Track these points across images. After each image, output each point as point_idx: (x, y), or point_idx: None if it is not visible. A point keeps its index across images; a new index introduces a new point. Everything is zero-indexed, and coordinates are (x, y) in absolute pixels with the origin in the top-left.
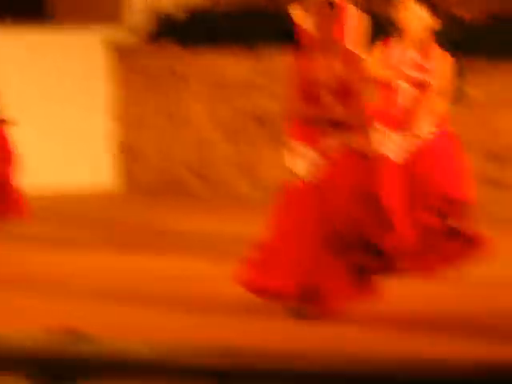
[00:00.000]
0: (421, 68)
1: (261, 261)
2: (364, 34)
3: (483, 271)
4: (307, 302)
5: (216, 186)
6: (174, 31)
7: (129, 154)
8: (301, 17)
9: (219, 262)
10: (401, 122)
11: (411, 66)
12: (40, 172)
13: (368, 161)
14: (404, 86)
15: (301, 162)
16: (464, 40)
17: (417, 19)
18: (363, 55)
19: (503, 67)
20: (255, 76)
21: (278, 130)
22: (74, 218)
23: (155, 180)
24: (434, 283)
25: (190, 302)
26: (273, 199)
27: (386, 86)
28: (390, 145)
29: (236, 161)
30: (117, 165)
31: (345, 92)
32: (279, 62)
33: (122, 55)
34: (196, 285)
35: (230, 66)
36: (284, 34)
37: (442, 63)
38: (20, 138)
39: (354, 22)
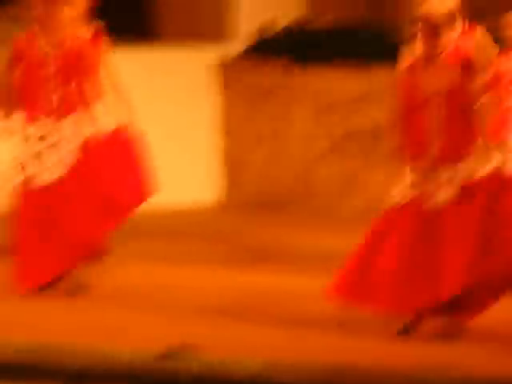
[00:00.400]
0: None
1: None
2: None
3: None
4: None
5: (321, 202)
6: (279, 47)
7: (234, 169)
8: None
9: (320, 278)
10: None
11: None
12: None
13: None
14: None
15: (404, 183)
16: None
17: None
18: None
19: None
20: (363, 92)
21: (381, 149)
22: (180, 233)
23: (260, 195)
24: None
25: (290, 319)
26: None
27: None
28: None
29: (341, 178)
30: (222, 180)
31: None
32: (387, 79)
33: (228, 72)
34: (298, 301)
35: (336, 81)
36: (390, 50)
37: None
38: None
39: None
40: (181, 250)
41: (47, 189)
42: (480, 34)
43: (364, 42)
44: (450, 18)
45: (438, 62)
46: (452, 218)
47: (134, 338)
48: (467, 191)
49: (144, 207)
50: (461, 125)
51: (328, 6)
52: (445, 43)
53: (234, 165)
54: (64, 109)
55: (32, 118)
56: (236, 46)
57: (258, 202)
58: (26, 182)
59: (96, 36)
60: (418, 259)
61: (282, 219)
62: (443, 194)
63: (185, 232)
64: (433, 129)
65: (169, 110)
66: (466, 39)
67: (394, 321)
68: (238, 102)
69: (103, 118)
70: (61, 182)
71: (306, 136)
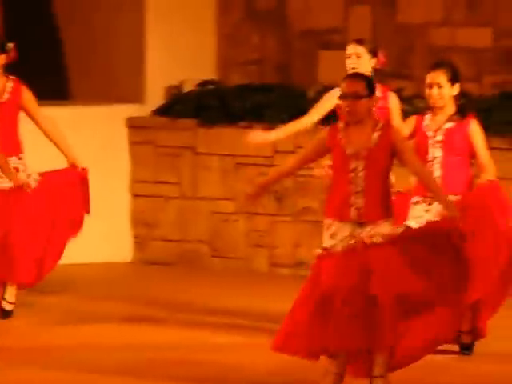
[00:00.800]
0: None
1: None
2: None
3: None
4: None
5: (228, 262)
6: (187, 109)
7: (142, 229)
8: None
9: (224, 333)
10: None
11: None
12: None
13: None
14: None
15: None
16: None
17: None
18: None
19: None
20: (268, 154)
21: (292, 204)
22: (87, 291)
23: (168, 254)
24: None
25: (195, 374)
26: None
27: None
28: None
29: (249, 234)
30: (131, 239)
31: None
32: (290, 141)
33: (137, 133)
34: (202, 356)
35: (242, 143)
36: (295, 113)
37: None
38: None
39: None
40: (87, 307)
41: None
42: (394, 97)
43: (271, 105)
44: (368, 87)
45: (358, 126)
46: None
47: None
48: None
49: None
50: (380, 187)
51: (236, 68)
52: (363, 109)
53: (142, 225)
54: None
55: None
56: (145, 107)
57: (165, 261)
58: None
59: (17, 87)
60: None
61: (189, 278)
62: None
63: (92, 290)
64: (353, 190)
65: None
66: (383, 102)
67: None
68: (147, 162)
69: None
70: None
71: (212, 197)
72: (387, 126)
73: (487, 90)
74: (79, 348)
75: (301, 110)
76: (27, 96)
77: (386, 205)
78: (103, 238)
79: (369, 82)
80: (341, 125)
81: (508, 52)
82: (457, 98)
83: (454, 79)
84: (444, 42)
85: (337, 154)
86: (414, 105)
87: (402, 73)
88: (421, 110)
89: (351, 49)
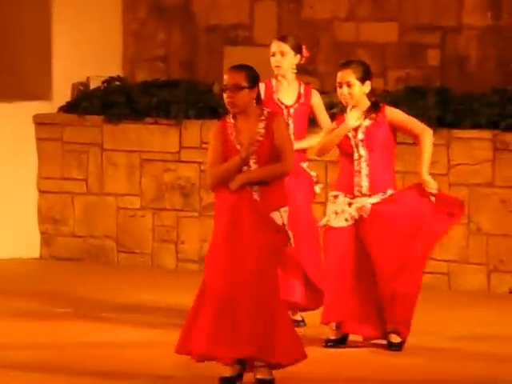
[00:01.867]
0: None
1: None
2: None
3: None
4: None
5: (134, 258)
6: (93, 105)
7: (49, 225)
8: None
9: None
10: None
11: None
12: None
13: None
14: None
15: None
16: None
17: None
18: None
19: None
20: (175, 149)
21: (198, 200)
22: None
23: (74, 250)
24: None
25: (112, 371)
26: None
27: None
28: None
29: (156, 230)
30: (38, 235)
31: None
32: (197, 137)
33: (44, 129)
34: (112, 350)
35: (148, 139)
36: (201, 108)
37: None
38: None
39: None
40: None
41: None
42: (317, 95)
43: (177, 100)
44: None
45: (244, 118)
46: None
47: None
48: None
49: None
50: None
51: (142, 65)
52: (243, 100)
53: (50, 221)
54: None
55: None
56: (52, 104)
57: (72, 257)
58: None
59: None
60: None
61: (97, 273)
62: None
63: (0, 286)
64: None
65: None
66: (305, 100)
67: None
68: (54, 159)
69: None
70: None
71: (119, 193)
72: (271, 114)
73: (392, 85)
74: None
75: (207, 106)
76: None
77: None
78: (11, 234)
79: (250, 74)
80: (229, 118)
81: (412, 47)
82: (369, 95)
83: (364, 77)
84: (349, 37)
85: (228, 148)
86: None
87: (307, 68)
88: (324, 106)
89: (275, 46)
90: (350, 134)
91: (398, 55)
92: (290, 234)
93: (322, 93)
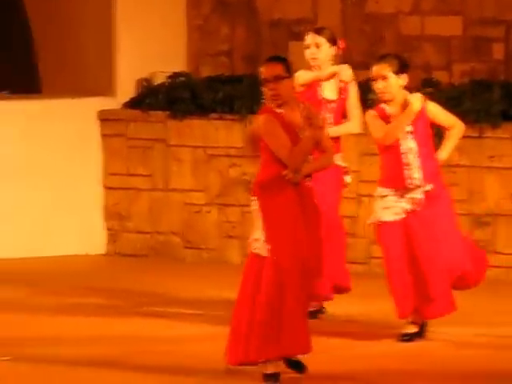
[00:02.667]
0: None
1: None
2: None
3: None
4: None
5: (200, 255)
6: (158, 101)
7: (115, 221)
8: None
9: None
10: None
11: None
12: (28, 238)
13: None
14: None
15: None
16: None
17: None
18: None
19: None
20: (240, 144)
21: None
22: (61, 283)
23: (140, 247)
24: None
25: (168, 365)
26: None
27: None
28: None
29: (221, 225)
30: (104, 231)
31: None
32: None
33: (108, 125)
34: (179, 345)
35: (213, 135)
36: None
37: None
38: (13, 205)
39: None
40: (60, 300)
41: None
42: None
43: (241, 96)
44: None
45: (288, 109)
46: None
47: None
48: None
49: (24, 256)
50: None
51: (206, 60)
52: (287, 90)
53: (115, 217)
54: None
55: None
56: (116, 100)
57: (138, 253)
58: None
59: None
60: None
61: (162, 269)
62: None
63: (65, 282)
64: None
65: (54, 162)
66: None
67: None
68: (119, 155)
69: None
70: None
71: (184, 189)
72: (307, 107)
73: (457, 79)
74: (51, 340)
75: None
76: None
77: None
78: (77, 231)
79: (287, 64)
80: (277, 109)
81: (476, 40)
82: (406, 87)
83: (399, 70)
84: (413, 31)
85: (291, 138)
86: None
87: (372, 63)
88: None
89: (310, 39)
90: None
91: (462, 49)
92: None
93: None
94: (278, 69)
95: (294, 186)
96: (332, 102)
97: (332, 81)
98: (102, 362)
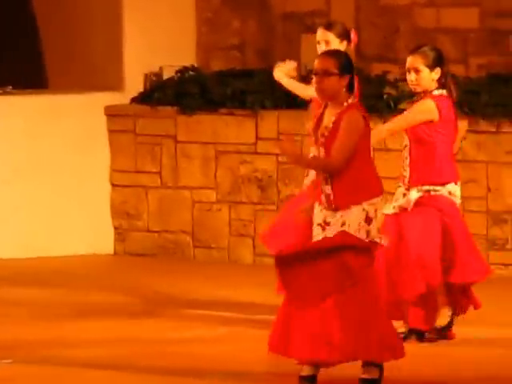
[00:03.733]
0: None
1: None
2: None
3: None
4: None
5: (210, 252)
6: (166, 96)
7: (122, 220)
8: None
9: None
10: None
11: None
12: (37, 237)
13: None
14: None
15: None
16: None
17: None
18: None
19: None
20: (251, 140)
21: (276, 192)
22: (68, 284)
23: (149, 246)
24: None
25: (184, 368)
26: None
27: None
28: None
29: (232, 223)
30: (112, 230)
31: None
32: (274, 127)
33: (116, 121)
34: (189, 347)
35: (223, 130)
36: (280, 96)
37: None
38: (19, 203)
39: None
40: (68, 300)
41: None
42: None
43: (253, 90)
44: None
45: (330, 105)
46: None
47: None
48: None
49: (33, 257)
50: (345, 173)
51: (216, 54)
52: (332, 87)
53: (123, 216)
54: None
55: None
56: (124, 95)
57: (147, 252)
58: None
59: None
60: None
61: (172, 269)
62: None
63: (73, 283)
64: (322, 176)
65: (60, 159)
66: None
67: None
68: (127, 151)
69: None
70: None
71: (193, 186)
72: (349, 107)
73: (473, 72)
74: (61, 341)
75: (283, 95)
76: None
77: (356, 190)
78: (84, 230)
79: (342, 61)
80: (323, 103)
81: (493, 33)
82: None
83: (434, 64)
84: (429, 23)
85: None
86: (399, 88)
87: (387, 56)
88: (405, 94)
89: (320, 35)
90: None
91: (479, 41)
92: None
93: (403, 80)
94: (328, 64)
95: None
96: None
97: None
98: (111, 364)
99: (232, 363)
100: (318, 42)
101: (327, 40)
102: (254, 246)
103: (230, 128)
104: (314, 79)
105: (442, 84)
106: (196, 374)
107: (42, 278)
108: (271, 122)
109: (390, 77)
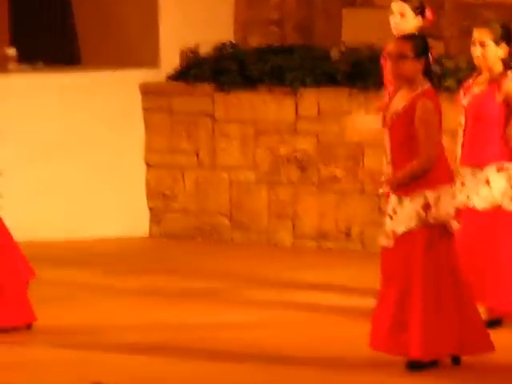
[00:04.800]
0: None
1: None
2: None
3: None
4: None
5: (249, 233)
6: (203, 73)
7: (158, 200)
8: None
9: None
10: None
11: None
12: (71, 218)
13: None
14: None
15: None
16: None
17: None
18: None
19: None
20: (291, 118)
21: (314, 173)
22: (103, 266)
23: (186, 227)
24: None
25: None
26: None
27: None
28: None
29: (271, 205)
30: (147, 211)
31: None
32: (314, 106)
33: (151, 99)
34: (227, 331)
35: (262, 109)
36: (317, 76)
37: None
38: (53, 183)
39: None
40: (103, 283)
41: None
42: None
43: (292, 67)
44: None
45: (404, 89)
46: None
47: (52, 375)
48: None
49: (67, 239)
50: (407, 159)
51: (255, 29)
52: (407, 70)
53: (158, 197)
54: None
55: None
56: (160, 72)
57: (183, 234)
58: None
59: None
60: None
61: (209, 252)
62: None
63: (108, 265)
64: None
65: (93, 138)
66: None
67: None
68: (162, 130)
69: None
70: None
71: (232, 166)
72: (423, 93)
73: None
74: (95, 325)
75: (324, 72)
76: None
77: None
78: (119, 211)
79: (418, 43)
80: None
81: None
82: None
83: (501, 39)
84: None
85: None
86: (444, 65)
87: (431, 32)
88: (449, 71)
89: (395, 6)
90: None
91: None
92: None
93: (447, 57)
94: (404, 47)
95: None
96: None
97: None
98: (147, 348)
99: (272, 348)
100: (392, 13)
101: (402, 12)
102: (293, 228)
103: (269, 106)
104: (390, 62)
105: (506, 65)
106: (235, 358)
107: (77, 259)
108: (311, 99)
109: (434, 53)
